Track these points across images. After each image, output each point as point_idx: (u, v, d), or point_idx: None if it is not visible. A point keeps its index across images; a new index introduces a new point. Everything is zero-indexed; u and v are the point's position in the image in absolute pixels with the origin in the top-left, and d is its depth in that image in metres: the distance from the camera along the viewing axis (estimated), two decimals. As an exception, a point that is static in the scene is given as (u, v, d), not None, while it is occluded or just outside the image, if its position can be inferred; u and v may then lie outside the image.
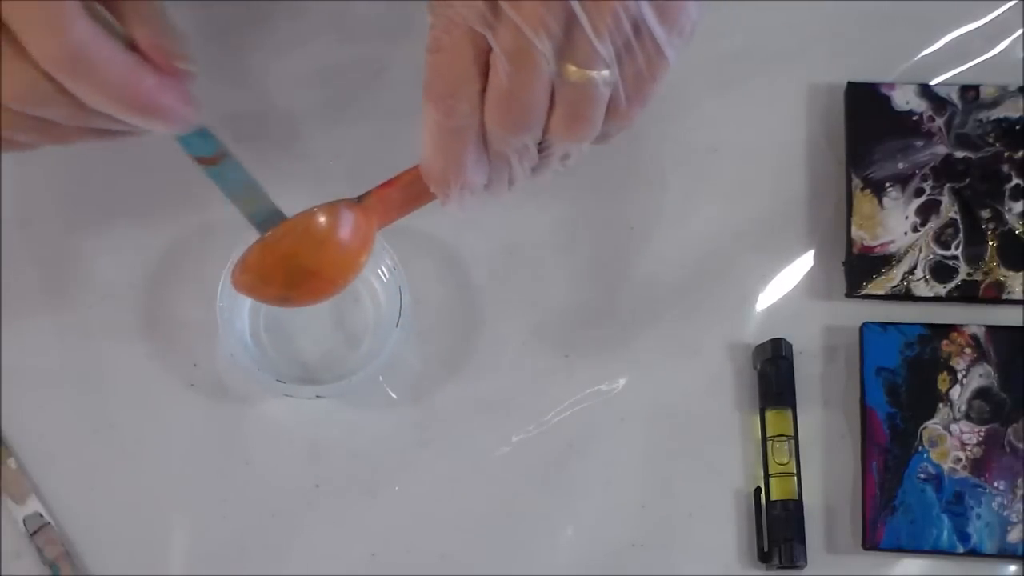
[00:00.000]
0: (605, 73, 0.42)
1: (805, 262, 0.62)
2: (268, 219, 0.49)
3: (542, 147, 0.45)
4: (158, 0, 0.45)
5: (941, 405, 0.58)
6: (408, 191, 0.48)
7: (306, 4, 0.64)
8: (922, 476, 0.58)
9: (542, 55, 0.41)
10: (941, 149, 0.62)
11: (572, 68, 0.42)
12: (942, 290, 0.60)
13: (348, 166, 0.62)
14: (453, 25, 0.42)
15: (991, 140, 0.62)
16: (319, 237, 0.48)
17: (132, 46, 0.44)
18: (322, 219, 0.48)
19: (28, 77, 0.42)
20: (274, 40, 0.64)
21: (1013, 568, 0.57)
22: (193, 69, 0.45)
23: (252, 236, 0.49)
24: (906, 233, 0.61)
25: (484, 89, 0.43)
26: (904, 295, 0.60)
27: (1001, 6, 0.65)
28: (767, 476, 0.58)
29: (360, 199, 0.48)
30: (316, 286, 0.49)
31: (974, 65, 0.64)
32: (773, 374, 0.59)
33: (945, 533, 0.57)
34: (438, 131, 0.44)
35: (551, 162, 0.46)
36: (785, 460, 0.58)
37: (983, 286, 0.60)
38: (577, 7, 0.40)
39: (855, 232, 0.61)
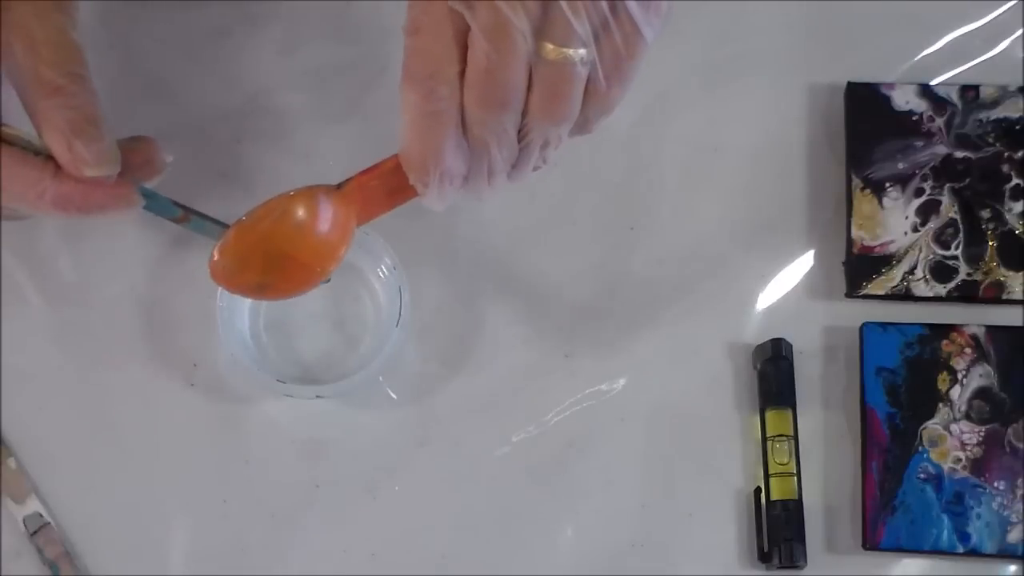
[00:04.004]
0: (582, 51, 0.42)
1: (805, 262, 0.62)
2: None
3: (521, 135, 0.45)
4: (84, 97, 0.46)
5: (941, 405, 0.58)
6: (389, 181, 0.48)
7: (306, 4, 0.64)
8: (922, 476, 0.58)
9: (519, 32, 0.41)
10: (941, 149, 0.62)
11: (549, 46, 0.42)
12: (942, 290, 0.60)
13: (346, 167, 0.61)
14: (432, 5, 0.42)
15: (991, 140, 0.62)
16: (295, 218, 0.48)
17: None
18: (298, 201, 0.48)
19: None
20: (273, 40, 0.64)
21: (1013, 568, 0.57)
22: (106, 172, 0.47)
23: None
24: (906, 233, 0.61)
25: (463, 72, 0.43)
26: (904, 295, 0.60)
27: (1001, 6, 0.65)
28: (767, 476, 0.58)
29: (340, 185, 0.48)
30: (293, 272, 0.49)
31: (974, 65, 0.64)
32: (773, 374, 0.59)
33: (945, 533, 0.57)
34: (417, 115, 0.44)
35: (531, 153, 0.46)
36: (785, 460, 0.58)
37: (983, 286, 0.60)
38: None
39: (855, 232, 0.61)
